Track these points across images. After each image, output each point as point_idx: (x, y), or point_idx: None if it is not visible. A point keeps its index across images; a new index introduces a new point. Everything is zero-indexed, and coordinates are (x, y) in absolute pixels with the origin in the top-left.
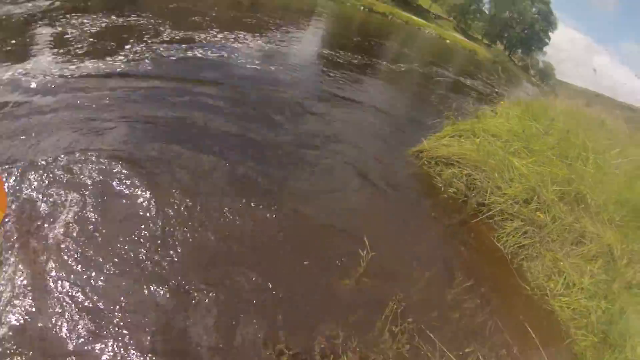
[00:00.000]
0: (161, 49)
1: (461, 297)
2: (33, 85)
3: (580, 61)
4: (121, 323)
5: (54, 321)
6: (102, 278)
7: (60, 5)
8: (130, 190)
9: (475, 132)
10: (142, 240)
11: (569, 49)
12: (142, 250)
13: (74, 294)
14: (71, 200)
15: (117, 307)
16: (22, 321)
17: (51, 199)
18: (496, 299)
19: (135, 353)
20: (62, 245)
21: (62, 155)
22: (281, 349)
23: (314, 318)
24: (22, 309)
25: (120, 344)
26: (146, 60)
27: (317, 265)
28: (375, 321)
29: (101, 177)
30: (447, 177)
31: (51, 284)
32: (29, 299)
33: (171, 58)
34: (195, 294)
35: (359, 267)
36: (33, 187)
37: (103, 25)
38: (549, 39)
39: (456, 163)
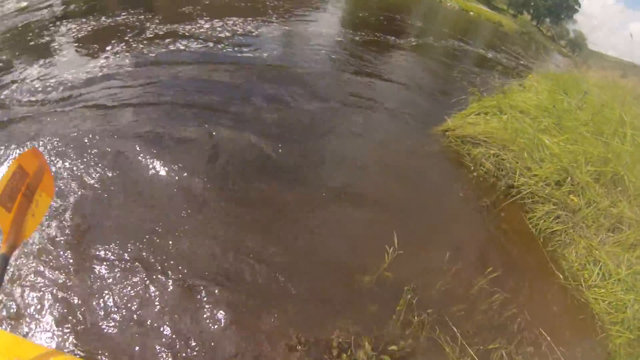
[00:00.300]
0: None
1: (491, 286)
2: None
3: (613, 29)
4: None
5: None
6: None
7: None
8: (157, 166)
9: (501, 108)
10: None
11: (600, 16)
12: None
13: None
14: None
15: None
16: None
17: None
18: (528, 289)
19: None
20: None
21: (90, 136)
22: (293, 344)
23: (329, 313)
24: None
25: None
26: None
27: (337, 257)
28: (393, 314)
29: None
30: (476, 156)
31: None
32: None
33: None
34: (205, 283)
35: (383, 263)
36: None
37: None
38: (579, 5)
39: (483, 142)
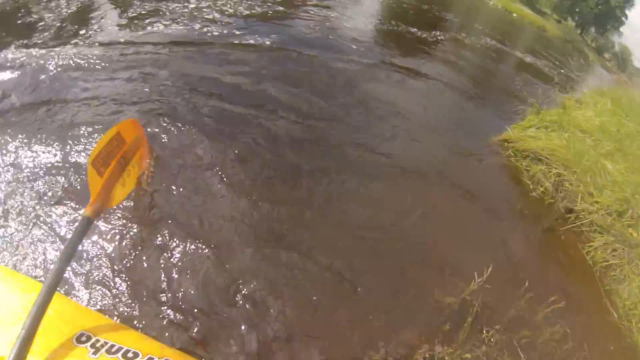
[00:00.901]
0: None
1: (552, 316)
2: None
3: None
4: None
5: None
6: None
7: None
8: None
9: (563, 125)
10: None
11: None
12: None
13: None
14: None
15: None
16: None
17: None
18: (585, 324)
19: None
20: None
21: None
22: (382, 357)
23: (414, 330)
24: None
25: None
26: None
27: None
28: (461, 333)
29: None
30: (535, 174)
31: None
32: None
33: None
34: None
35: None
36: None
37: None
38: (626, 17)
39: (545, 159)
